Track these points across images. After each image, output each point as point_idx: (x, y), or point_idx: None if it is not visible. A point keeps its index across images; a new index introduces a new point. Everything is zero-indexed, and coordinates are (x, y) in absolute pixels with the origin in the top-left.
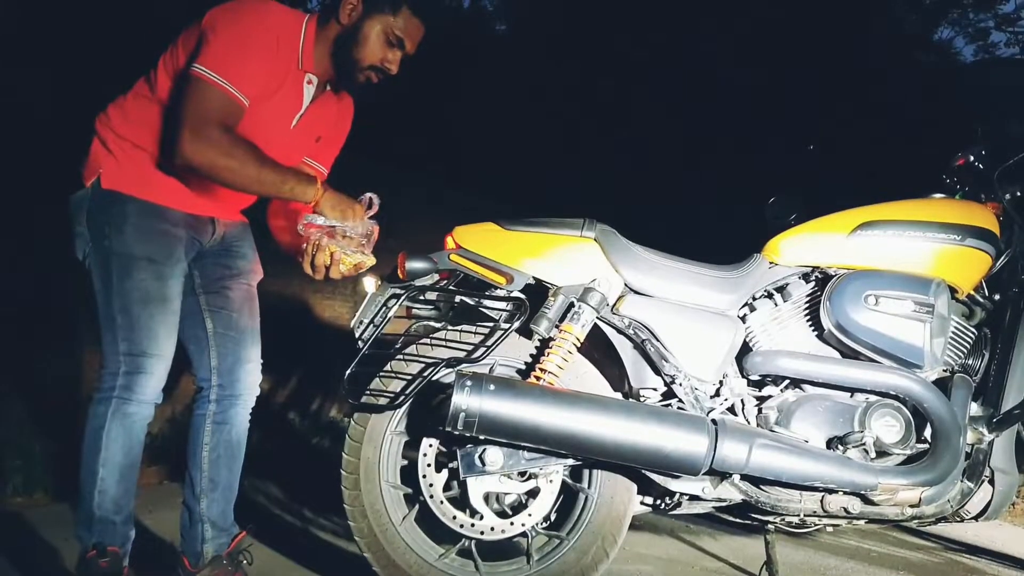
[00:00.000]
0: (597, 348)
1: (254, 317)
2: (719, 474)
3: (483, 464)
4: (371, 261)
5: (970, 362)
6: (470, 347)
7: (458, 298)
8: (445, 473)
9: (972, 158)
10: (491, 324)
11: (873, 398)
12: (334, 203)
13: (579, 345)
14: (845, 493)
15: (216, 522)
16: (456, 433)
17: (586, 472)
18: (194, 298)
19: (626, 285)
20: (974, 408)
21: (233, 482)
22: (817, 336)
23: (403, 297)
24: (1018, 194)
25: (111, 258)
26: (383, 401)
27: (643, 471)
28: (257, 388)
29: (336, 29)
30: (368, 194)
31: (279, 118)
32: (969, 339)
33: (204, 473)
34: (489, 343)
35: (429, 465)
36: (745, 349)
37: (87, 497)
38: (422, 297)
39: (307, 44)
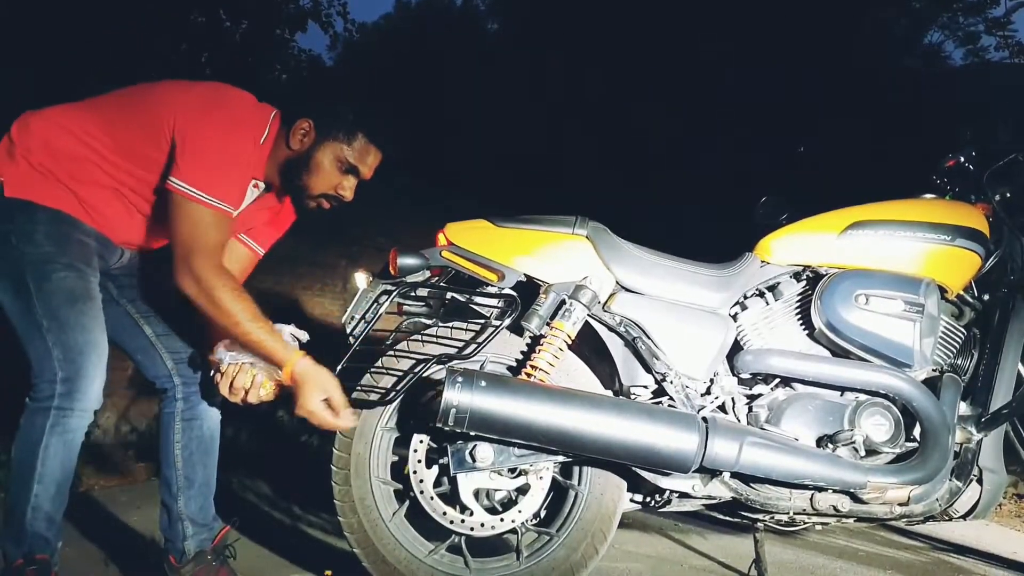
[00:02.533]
0: (588, 346)
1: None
2: (709, 472)
3: (473, 460)
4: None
5: (959, 362)
6: (461, 344)
7: (449, 295)
8: (435, 469)
9: (962, 159)
10: (482, 321)
11: (863, 397)
12: (309, 379)
13: (570, 342)
14: (834, 491)
15: (195, 519)
16: (447, 429)
17: (576, 469)
18: (119, 308)
19: (617, 283)
20: (963, 408)
21: (210, 477)
22: (808, 335)
23: (394, 293)
24: (1007, 195)
25: (23, 268)
26: (374, 397)
27: (633, 468)
28: None
29: (286, 153)
30: (289, 329)
31: None
32: (958, 339)
33: (179, 471)
34: (480, 340)
35: (420, 461)
36: (736, 347)
37: (19, 513)
38: (413, 293)
39: (263, 152)
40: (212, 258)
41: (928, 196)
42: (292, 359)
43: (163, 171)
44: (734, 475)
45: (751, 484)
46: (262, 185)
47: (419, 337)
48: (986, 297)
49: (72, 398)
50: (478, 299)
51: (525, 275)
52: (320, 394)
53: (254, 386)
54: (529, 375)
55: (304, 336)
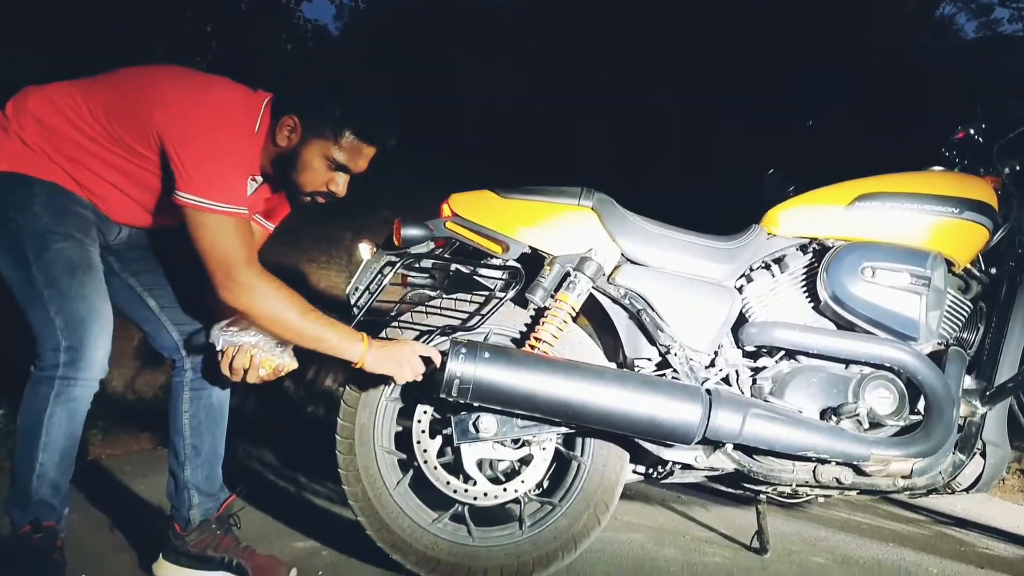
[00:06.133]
0: (592, 318)
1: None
2: (712, 443)
3: (477, 431)
4: (293, 365)
5: (965, 335)
6: (465, 315)
7: (453, 266)
8: (439, 439)
9: (972, 132)
10: (486, 293)
11: (867, 370)
12: (380, 360)
13: (574, 314)
14: (837, 464)
15: (202, 487)
16: (450, 400)
17: (579, 440)
18: (121, 280)
19: (623, 255)
20: (968, 381)
21: (217, 446)
22: (813, 308)
23: (398, 265)
24: (1017, 168)
25: (22, 239)
26: None
27: (636, 440)
28: None
29: (274, 149)
30: None
31: None
32: (964, 312)
33: (186, 440)
34: (484, 311)
35: (423, 431)
36: (741, 320)
37: (24, 481)
38: (417, 265)
39: (257, 145)
40: (251, 265)
41: (937, 168)
42: (357, 355)
43: (152, 166)
44: (737, 447)
45: (754, 456)
46: (259, 178)
47: (423, 308)
48: (993, 271)
49: (76, 367)
50: (482, 271)
51: (529, 247)
52: (400, 377)
53: (252, 367)
54: (533, 347)
55: None
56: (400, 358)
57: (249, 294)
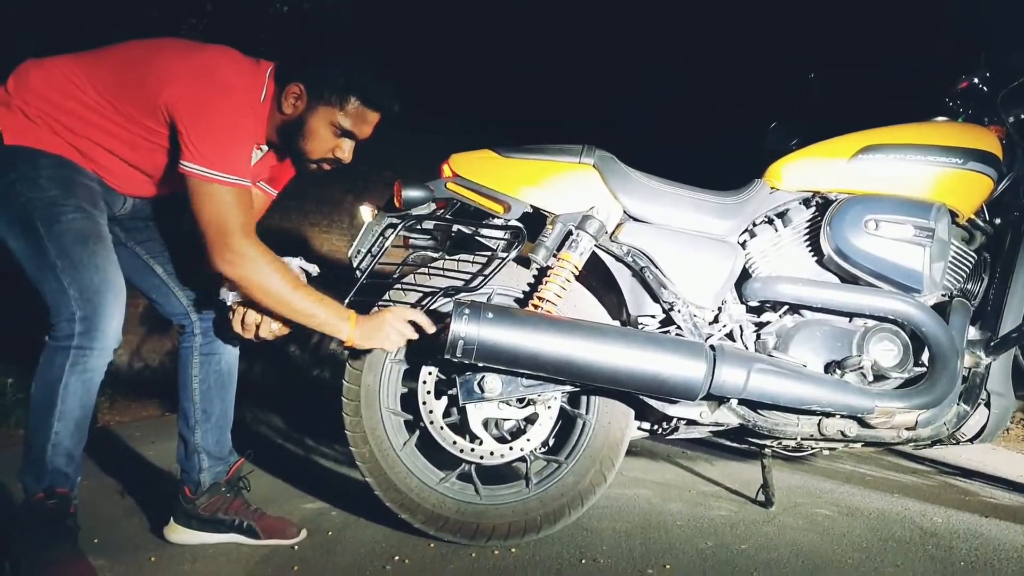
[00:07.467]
0: (595, 276)
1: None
2: (717, 399)
3: (482, 391)
4: None
5: (969, 286)
6: (468, 276)
7: (455, 227)
8: (445, 400)
9: (976, 81)
10: (489, 253)
11: (871, 323)
12: (367, 335)
13: (577, 273)
14: (842, 416)
15: (212, 451)
16: (455, 361)
17: (584, 398)
18: (128, 250)
19: (625, 212)
20: (972, 332)
21: (227, 411)
22: (817, 261)
23: (400, 227)
24: (1021, 117)
25: (31, 212)
26: None
27: (641, 397)
28: None
29: (280, 117)
30: (297, 262)
31: None
32: (968, 263)
33: (196, 405)
34: (487, 272)
35: (429, 392)
36: (744, 275)
37: (38, 450)
38: (419, 226)
39: (262, 116)
40: (248, 235)
41: (940, 119)
42: (345, 333)
43: (159, 138)
44: (742, 402)
45: (759, 410)
46: (264, 147)
47: (426, 270)
48: (997, 221)
49: (91, 337)
50: (484, 231)
51: (531, 206)
52: (390, 345)
53: (264, 321)
54: (536, 306)
55: (314, 269)
56: (385, 328)
57: (244, 263)
